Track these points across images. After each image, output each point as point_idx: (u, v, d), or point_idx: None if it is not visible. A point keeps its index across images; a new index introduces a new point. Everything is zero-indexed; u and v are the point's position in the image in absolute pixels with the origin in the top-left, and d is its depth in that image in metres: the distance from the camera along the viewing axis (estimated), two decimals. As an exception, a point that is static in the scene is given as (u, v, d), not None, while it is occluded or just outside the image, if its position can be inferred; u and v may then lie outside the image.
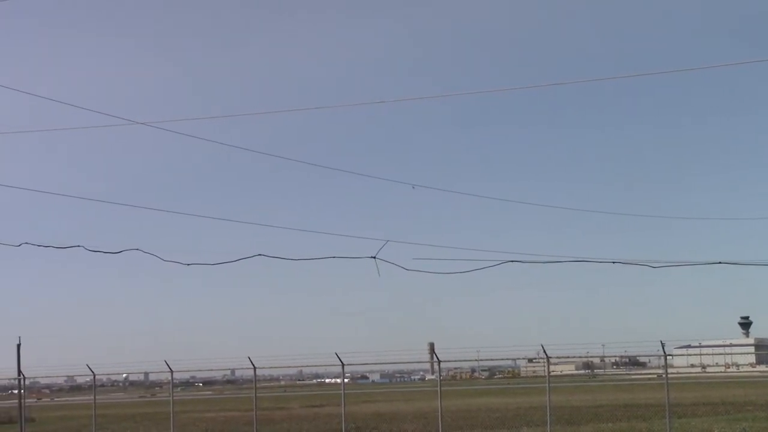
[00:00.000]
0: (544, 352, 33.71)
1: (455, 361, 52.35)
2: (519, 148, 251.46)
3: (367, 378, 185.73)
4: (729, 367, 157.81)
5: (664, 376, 35.24)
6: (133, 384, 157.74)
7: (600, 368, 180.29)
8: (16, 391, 49.53)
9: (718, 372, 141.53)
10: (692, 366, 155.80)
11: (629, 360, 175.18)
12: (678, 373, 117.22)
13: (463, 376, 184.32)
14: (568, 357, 44.00)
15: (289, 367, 63.01)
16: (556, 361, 40.58)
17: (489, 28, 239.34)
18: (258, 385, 42.27)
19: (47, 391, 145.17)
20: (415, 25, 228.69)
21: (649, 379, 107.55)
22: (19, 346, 42.08)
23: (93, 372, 40.66)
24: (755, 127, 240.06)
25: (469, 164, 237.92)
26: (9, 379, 47.58)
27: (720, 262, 23.39)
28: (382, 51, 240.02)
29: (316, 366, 60.71)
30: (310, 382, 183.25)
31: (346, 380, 39.12)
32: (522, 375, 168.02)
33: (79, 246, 26.57)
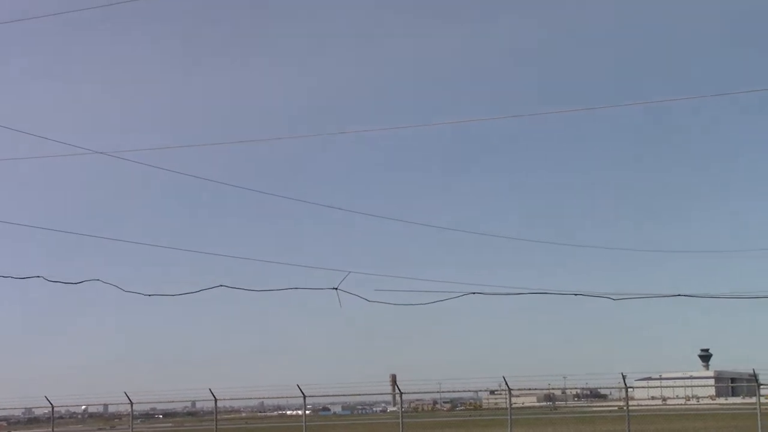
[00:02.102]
0: (506, 383, 33.79)
1: (417, 393, 52.44)
2: (480, 181, 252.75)
3: (328, 410, 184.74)
4: (689, 400, 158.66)
5: (625, 408, 35.41)
6: (92, 416, 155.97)
7: (561, 400, 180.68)
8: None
9: (678, 404, 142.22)
10: (653, 398, 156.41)
11: (590, 392, 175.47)
12: (639, 405, 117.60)
13: (425, 407, 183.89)
14: (529, 389, 44.16)
15: (251, 398, 62.72)
16: (518, 393, 40.75)
17: (458, 58, 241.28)
18: (219, 417, 42.00)
19: (4, 423, 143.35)
20: (380, 54, 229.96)
21: (611, 411, 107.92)
22: (-25, 377, 41.58)
23: (51, 404, 40.27)
24: (717, 162, 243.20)
25: (431, 196, 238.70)
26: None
27: (679, 295, 23.63)
28: (345, 80, 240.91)
29: (277, 398, 60.49)
30: (272, 414, 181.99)
31: (308, 412, 38.97)
32: (484, 407, 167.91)
33: (38, 276, 26.42)
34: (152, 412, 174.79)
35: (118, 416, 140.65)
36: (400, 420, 36.05)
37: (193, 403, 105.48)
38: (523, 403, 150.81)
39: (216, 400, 37.10)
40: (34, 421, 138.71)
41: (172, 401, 75.22)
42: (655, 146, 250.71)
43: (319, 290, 23.90)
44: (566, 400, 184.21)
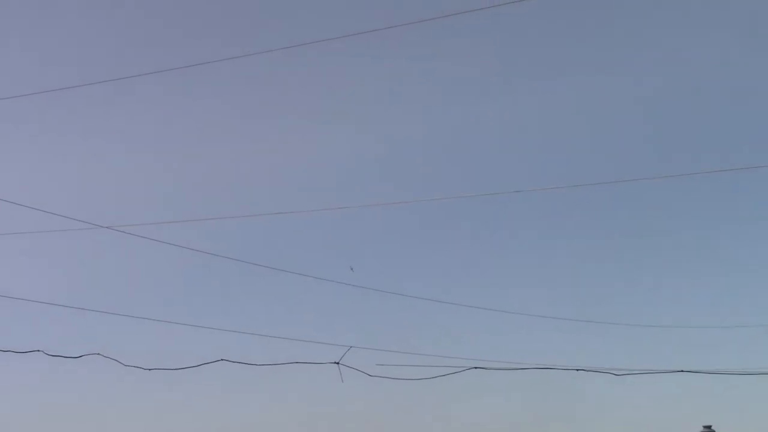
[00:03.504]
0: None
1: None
2: (480, 252, 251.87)
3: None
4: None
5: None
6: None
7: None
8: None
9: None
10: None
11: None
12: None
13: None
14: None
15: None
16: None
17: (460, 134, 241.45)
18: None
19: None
20: (382, 130, 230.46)
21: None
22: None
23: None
24: (716, 235, 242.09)
25: (431, 268, 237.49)
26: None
27: (682, 371, 23.48)
28: (351, 153, 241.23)
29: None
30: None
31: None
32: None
33: (38, 351, 26.27)
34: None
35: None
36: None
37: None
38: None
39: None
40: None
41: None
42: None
43: (322, 364, 23.75)
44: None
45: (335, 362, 24.05)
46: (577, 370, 24.51)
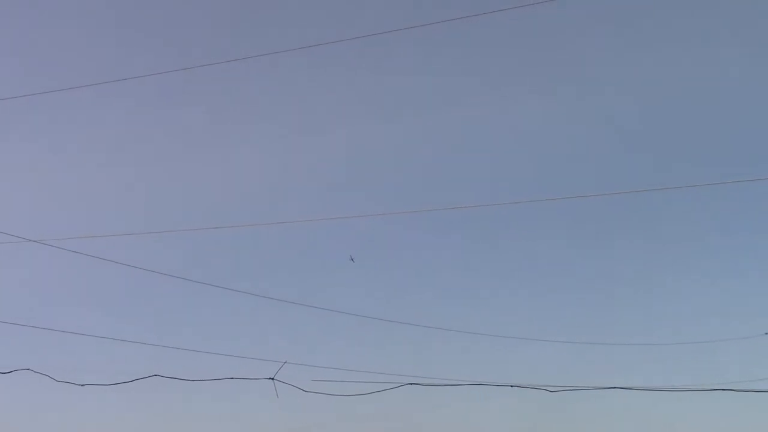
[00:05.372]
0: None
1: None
2: (416, 269, 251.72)
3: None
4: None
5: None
6: None
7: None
8: None
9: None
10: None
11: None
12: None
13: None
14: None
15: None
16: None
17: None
18: None
19: None
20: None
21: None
22: None
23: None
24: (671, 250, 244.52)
25: (363, 284, 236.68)
26: None
27: (615, 387, 23.74)
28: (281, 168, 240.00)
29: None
30: None
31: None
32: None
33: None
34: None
35: None
36: None
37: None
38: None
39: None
40: None
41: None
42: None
43: (256, 380, 23.61)
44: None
45: (270, 378, 23.91)
46: (511, 386, 24.64)
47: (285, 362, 23.72)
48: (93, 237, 24.87)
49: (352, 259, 33.49)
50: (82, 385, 26.41)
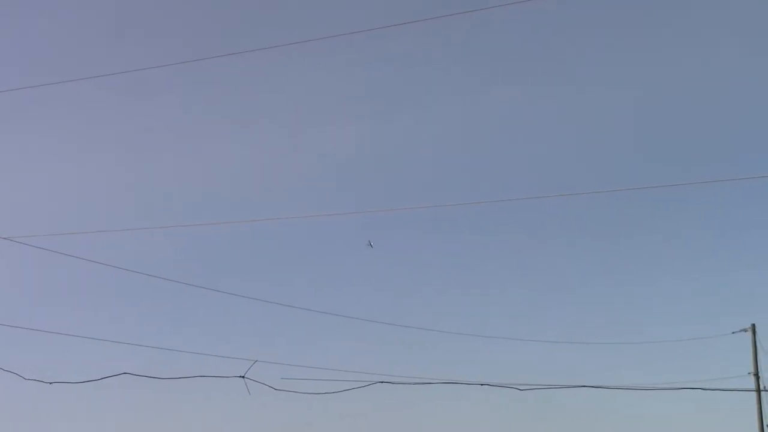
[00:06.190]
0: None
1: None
2: (382, 268, 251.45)
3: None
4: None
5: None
6: None
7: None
8: None
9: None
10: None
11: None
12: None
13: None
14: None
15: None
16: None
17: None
18: None
19: None
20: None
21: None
22: None
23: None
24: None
25: (334, 283, 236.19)
26: None
27: (583, 386, 23.87)
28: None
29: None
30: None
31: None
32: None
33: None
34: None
35: None
36: None
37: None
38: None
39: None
40: None
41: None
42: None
43: (227, 378, 23.56)
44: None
45: (241, 376, 23.88)
46: (481, 384, 24.73)
47: (256, 361, 23.70)
48: (62, 234, 24.68)
49: (370, 245, 33.41)
50: (51, 383, 26.25)
